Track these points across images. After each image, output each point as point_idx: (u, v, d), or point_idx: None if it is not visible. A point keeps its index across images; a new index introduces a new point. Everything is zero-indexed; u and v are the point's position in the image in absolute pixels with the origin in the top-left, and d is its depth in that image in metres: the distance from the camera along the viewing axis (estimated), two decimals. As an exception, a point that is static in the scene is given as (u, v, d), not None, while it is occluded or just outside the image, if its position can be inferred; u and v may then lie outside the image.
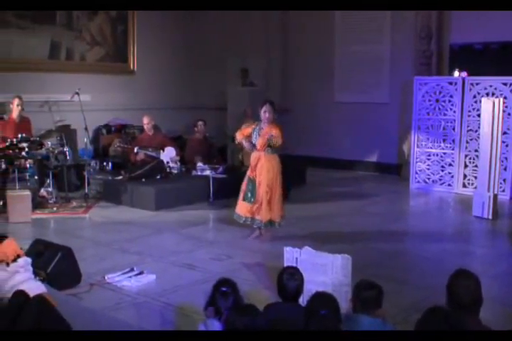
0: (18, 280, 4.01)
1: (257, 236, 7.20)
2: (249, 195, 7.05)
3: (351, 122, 12.77)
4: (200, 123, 10.48)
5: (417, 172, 10.96)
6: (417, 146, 10.92)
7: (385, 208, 9.26)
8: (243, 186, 7.16)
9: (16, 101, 9.11)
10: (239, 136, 7.18)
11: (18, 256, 4.17)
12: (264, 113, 6.94)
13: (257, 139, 6.97)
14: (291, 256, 4.90)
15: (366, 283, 3.63)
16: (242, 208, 7.15)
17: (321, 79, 13.08)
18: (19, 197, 8.01)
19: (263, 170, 6.96)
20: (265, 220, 7.00)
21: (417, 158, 10.94)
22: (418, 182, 10.95)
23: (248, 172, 7.14)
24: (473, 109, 10.21)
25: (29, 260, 4.28)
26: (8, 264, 4.08)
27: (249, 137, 7.09)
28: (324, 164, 12.67)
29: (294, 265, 4.70)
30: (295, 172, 10.58)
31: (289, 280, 3.90)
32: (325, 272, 4.70)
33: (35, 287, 4.00)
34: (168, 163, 9.68)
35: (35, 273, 5.06)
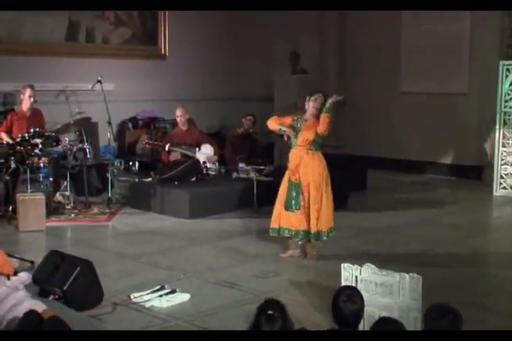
0: (18, 298, 4.03)
1: (294, 254, 7.09)
2: (293, 202, 6.96)
3: (421, 116, 12.66)
4: (248, 117, 10.54)
5: (502, 177, 10.79)
6: (503, 145, 10.75)
7: (463, 219, 9.14)
8: (282, 192, 7.04)
9: (28, 91, 9.12)
10: (274, 122, 7.03)
11: (16, 271, 4.21)
12: (315, 101, 6.84)
13: (300, 133, 6.94)
14: (350, 274, 4.89)
15: (436, 309, 3.57)
16: (288, 220, 7.01)
17: (385, 65, 13.02)
18: (31, 201, 8.12)
19: (308, 170, 6.88)
20: (313, 231, 6.87)
21: (502, 160, 10.78)
22: (504, 188, 10.77)
23: (288, 175, 7.01)
24: None
25: (31, 275, 4.34)
26: (8, 277, 4.12)
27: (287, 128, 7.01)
28: (389, 166, 12.60)
29: (353, 285, 4.69)
30: (354, 176, 10.53)
31: (347, 302, 3.89)
32: (390, 294, 4.68)
33: (34, 306, 4.02)
34: (204, 163, 9.74)
35: (50, 291, 5.15)
